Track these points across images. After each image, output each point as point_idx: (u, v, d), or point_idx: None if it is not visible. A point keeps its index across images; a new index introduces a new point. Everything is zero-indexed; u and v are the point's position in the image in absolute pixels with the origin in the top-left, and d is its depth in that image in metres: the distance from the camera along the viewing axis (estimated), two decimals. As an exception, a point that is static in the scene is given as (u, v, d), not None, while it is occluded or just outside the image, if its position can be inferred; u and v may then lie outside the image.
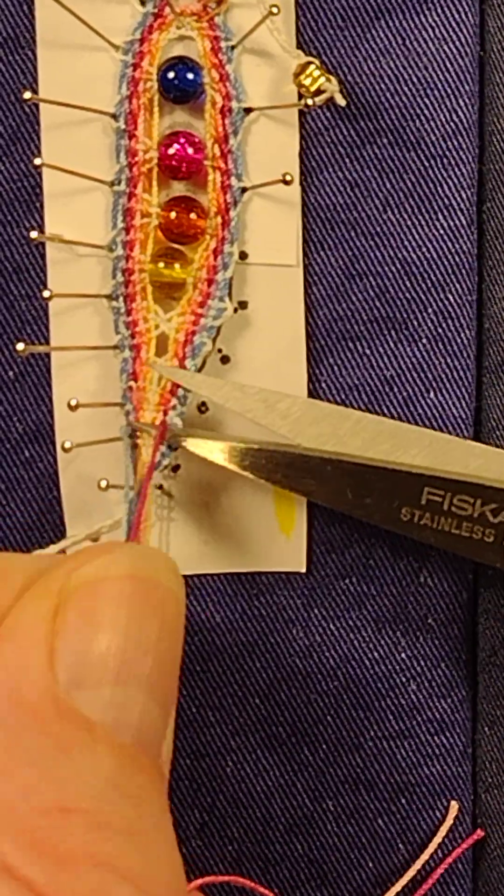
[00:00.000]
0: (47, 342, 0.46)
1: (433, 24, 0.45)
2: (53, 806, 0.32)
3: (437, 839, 0.48)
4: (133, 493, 0.44)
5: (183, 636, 0.36)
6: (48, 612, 0.34)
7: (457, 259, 0.46)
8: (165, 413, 0.45)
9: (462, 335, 0.47)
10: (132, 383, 0.45)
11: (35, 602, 0.35)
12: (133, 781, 0.33)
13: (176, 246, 0.45)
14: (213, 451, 0.45)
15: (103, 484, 0.45)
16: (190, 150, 0.45)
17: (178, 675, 0.36)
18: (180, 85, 0.44)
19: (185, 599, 0.36)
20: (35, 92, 0.45)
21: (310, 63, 0.44)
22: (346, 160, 0.46)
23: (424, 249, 0.46)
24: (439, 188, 0.46)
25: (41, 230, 0.45)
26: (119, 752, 0.34)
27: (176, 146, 0.45)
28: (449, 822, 0.48)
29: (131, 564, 0.35)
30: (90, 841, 0.32)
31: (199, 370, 0.45)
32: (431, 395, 0.47)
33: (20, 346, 0.44)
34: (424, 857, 0.48)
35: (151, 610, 0.35)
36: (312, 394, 0.47)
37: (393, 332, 0.47)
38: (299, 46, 0.45)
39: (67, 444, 0.45)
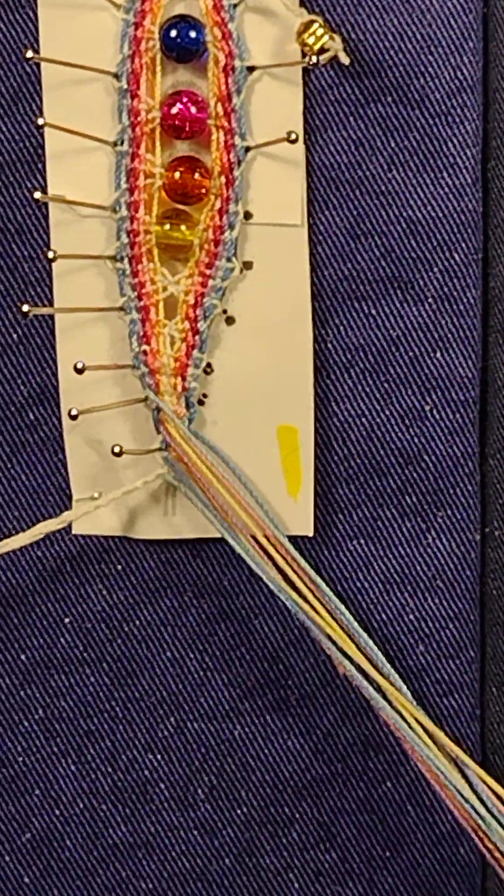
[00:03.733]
0: (51, 304, 0.46)
1: (437, -19, 0.45)
2: None
3: None
4: (167, 455, 0.45)
5: None
6: None
7: (462, 218, 0.46)
8: (184, 378, 0.45)
9: (468, 294, 0.46)
10: (145, 347, 0.45)
11: None
12: None
13: (181, 207, 0.45)
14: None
15: (116, 449, 0.45)
16: (193, 110, 0.44)
17: None
18: (182, 44, 0.44)
19: None
20: (36, 52, 0.44)
21: (313, 21, 0.43)
22: (351, 119, 0.45)
23: (430, 208, 0.46)
24: (444, 146, 0.45)
25: (44, 191, 0.45)
26: None
27: (179, 105, 0.44)
28: None
29: None
30: None
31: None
32: (438, 354, 0.47)
33: (25, 308, 0.44)
34: None
35: None
36: (318, 354, 0.46)
37: (399, 292, 0.46)
38: (302, 4, 0.44)
39: (74, 412, 0.45)
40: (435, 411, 0.47)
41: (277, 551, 0.45)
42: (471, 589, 0.48)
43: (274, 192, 0.45)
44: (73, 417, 0.45)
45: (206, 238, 0.45)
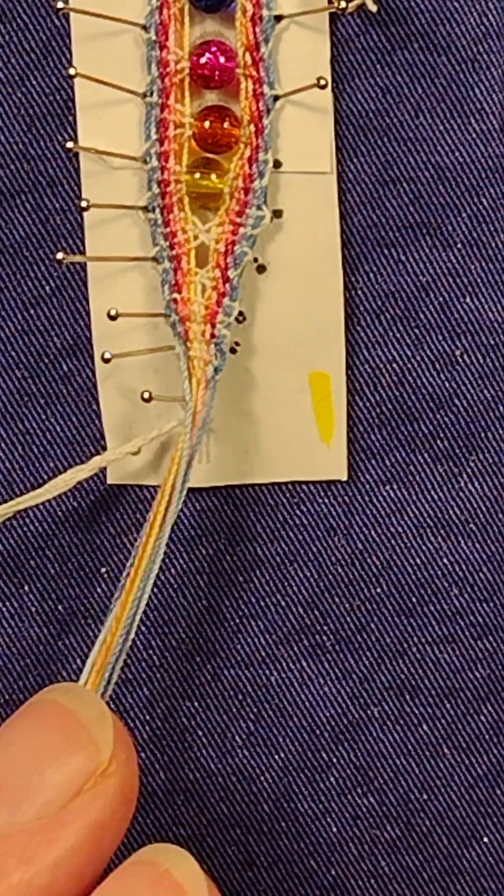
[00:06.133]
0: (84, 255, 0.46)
1: None
2: None
3: None
4: (191, 405, 0.45)
5: None
6: None
7: (490, 163, 0.46)
8: (213, 325, 0.45)
9: (497, 239, 0.47)
10: (176, 295, 0.45)
11: None
12: None
13: (211, 156, 0.45)
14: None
15: (146, 395, 0.45)
16: (222, 59, 0.45)
17: None
18: (210, -6, 0.44)
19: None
20: (66, 2, 0.44)
21: (340, -32, 0.44)
22: (378, 66, 0.46)
23: (457, 154, 0.46)
24: (471, 92, 0.46)
25: (75, 143, 0.45)
26: None
27: (207, 55, 0.45)
28: None
29: None
30: None
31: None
32: (467, 299, 0.47)
33: (59, 255, 0.44)
34: None
35: None
36: (349, 301, 0.47)
37: (428, 238, 0.47)
38: (328, -48, 0.45)
39: (107, 355, 0.45)
40: (465, 356, 0.47)
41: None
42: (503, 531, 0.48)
43: (303, 140, 0.45)
44: (107, 361, 0.45)
45: (236, 186, 0.45)
